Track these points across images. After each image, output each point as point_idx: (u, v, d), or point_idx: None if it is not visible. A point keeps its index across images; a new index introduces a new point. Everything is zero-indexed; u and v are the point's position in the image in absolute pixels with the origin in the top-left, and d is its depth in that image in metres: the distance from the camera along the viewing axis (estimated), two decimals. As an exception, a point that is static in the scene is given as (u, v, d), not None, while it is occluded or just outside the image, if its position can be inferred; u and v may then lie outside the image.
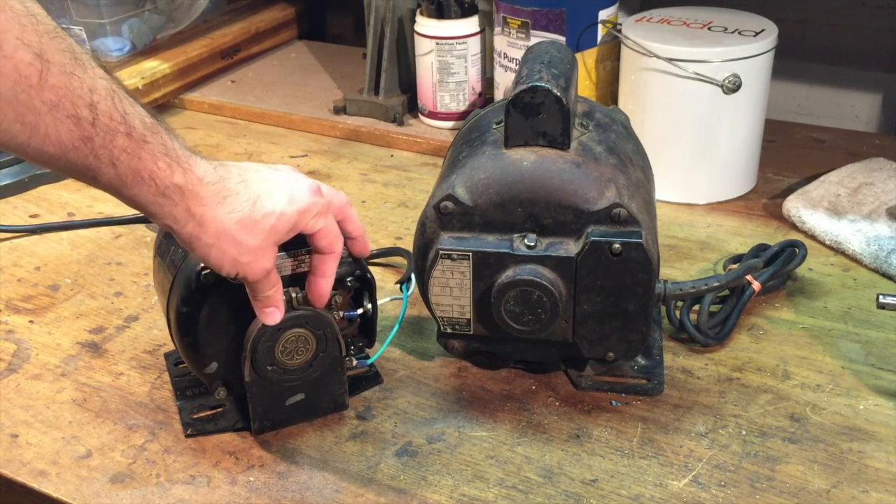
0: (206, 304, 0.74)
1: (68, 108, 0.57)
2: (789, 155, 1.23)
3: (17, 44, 0.54)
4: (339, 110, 1.39)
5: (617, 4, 1.20)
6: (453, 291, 0.79)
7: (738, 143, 1.11)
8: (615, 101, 1.19)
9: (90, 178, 0.61)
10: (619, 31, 1.14)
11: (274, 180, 0.69)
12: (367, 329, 0.81)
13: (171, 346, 0.88)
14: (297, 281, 0.75)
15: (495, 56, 1.26)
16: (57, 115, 0.57)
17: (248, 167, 0.69)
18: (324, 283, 0.74)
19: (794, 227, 1.06)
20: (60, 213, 1.16)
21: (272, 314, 0.72)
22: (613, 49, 1.19)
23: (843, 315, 0.92)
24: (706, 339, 0.87)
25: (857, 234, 1.01)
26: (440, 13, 1.27)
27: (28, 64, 0.55)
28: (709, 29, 1.11)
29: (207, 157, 0.67)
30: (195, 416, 0.81)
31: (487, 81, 1.32)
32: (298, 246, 0.74)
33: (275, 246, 0.69)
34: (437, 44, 1.28)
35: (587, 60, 1.19)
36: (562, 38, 1.16)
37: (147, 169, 0.61)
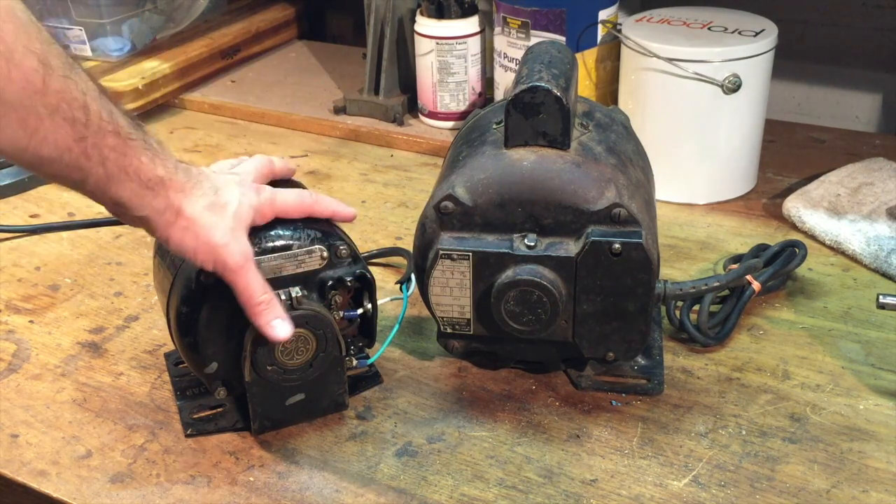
0: (206, 304, 0.74)
1: (66, 110, 0.59)
2: (789, 155, 1.23)
3: (26, 52, 0.56)
4: (339, 110, 1.39)
5: (617, 4, 1.20)
6: (453, 291, 0.79)
7: (738, 143, 1.11)
8: (615, 101, 1.19)
9: (79, 180, 0.63)
10: (619, 31, 1.14)
11: (223, 178, 0.72)
12: (367, 329, 0.81)
13: (171, 346, 0.88)
14: (297, 281, 0.75)
15: (495, 56, 1.26)
16: (55, 119, 0.59)
17: (196, 167, 0.72)
18: (327, 204, 0.77)
19: (794, 227, 1.06)
20: (60, 213, 1.16)
21: (279, 326, 0.70)
22: (613, 49, 1.19)
23: (843, 315, 0.92)
24: (706, 339, 0.87)
25: (857, 234, 1.01)
26: (440, 13, 1.27)
27: (34, 70, 0.57)
28: (709, 29, 1.10)
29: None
30: (195, 416, 0.81)
31: (487, 81, 1.32)
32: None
33: (244, 230, 0.71)
34: (437, 44, 1.28)
35: (587, 60, 1.19)
36: (562, 38, 1.16)
37: (132, 165, 0.64)
